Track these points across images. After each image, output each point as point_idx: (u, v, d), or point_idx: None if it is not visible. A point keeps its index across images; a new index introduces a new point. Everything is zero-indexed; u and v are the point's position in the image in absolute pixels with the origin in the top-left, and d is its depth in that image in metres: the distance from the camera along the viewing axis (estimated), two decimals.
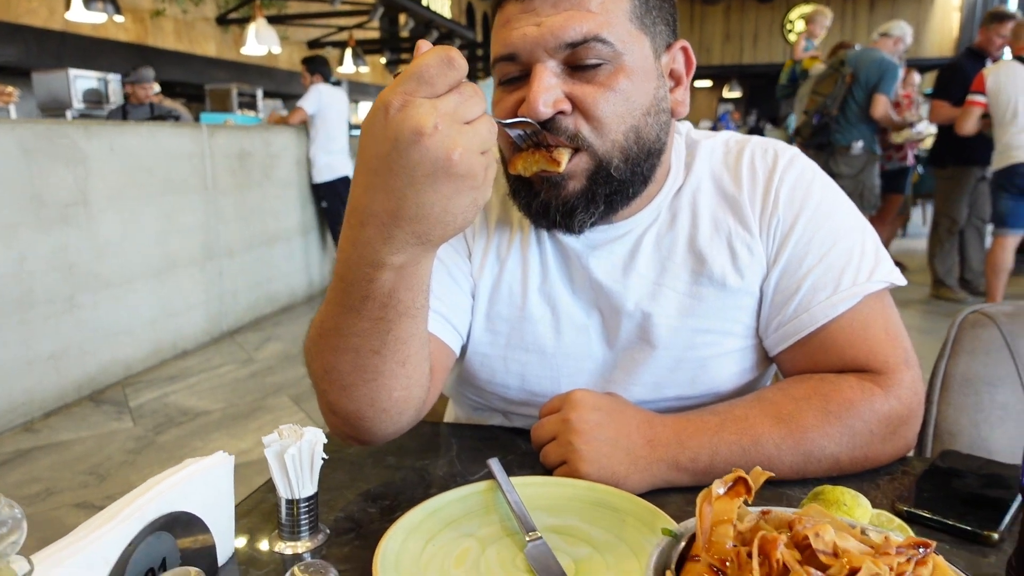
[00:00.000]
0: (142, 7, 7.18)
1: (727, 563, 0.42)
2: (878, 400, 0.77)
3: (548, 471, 0.77)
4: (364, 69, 9.64)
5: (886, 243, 5.89)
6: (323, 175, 5.40)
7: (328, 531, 0.68)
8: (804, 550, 0.42)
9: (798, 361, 0.84)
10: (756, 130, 12.99)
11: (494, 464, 0.74)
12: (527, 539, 0.63)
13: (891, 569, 0.39)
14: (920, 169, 6.68)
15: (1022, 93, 3.97)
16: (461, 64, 0.54)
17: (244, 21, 8.00)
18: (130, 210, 3.78)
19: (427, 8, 9.18)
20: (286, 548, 0.66)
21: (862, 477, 0.77)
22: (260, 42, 7.07)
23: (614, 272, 0.87)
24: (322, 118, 5.27)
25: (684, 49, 0.84)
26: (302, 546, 0.66)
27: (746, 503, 0.46)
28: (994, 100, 4.08)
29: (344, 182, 5.44)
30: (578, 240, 0.87)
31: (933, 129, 5.31)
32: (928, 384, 0.98)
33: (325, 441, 0.67)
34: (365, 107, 12.89)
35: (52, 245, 3.31)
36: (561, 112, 0.75)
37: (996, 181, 4.23)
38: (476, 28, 15.51)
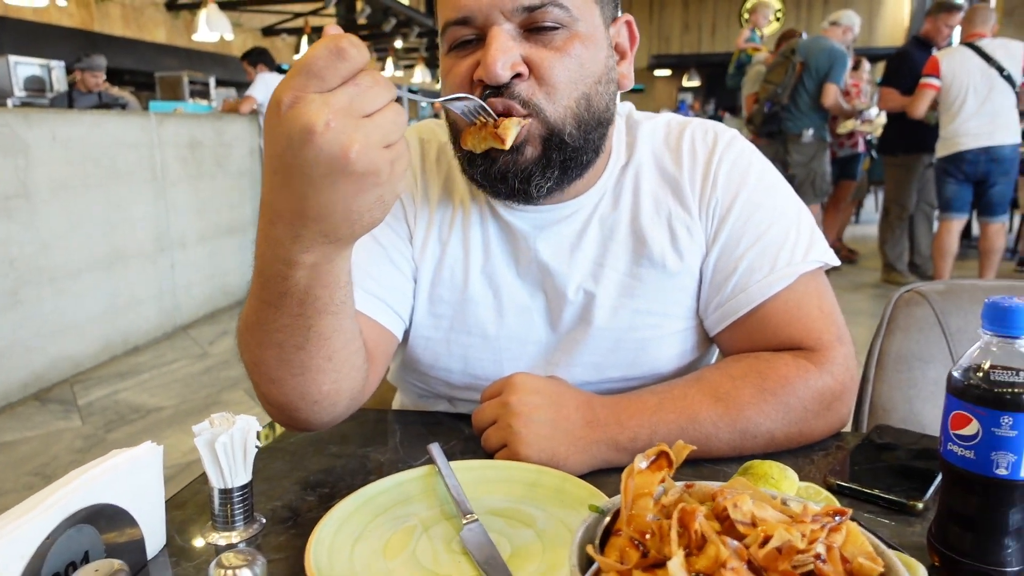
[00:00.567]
0: None
1: (647, 535, 0.42)
2: (812, 377, 0.79)
3: (490, 455, 0.77)
4: None
5: (840, 229, 6.03)
6: None
7: (264, 520, 0.67)
8: (724, 521, 0.42)
9: (737, 340, 0.86)
10: (715, 118, 13.13)
11: (434, 449, 0.74)
12: (464, 522, 0.63)
13: (803, 536, 0.39)
14: (875, 155, 6.84)
15: (973, 81, 4.07)
16: (355, 54, 0.50)
17: (195, 7, 7.80)
18: (75, 201, 3.67)
19: None
20: (220, 539, 0.65)
21: (796, 453, 0.79)
22: (212, 29, 6.90)
23: (561, 253, 0.87)
24: None
25: (628, 23, 0.85)
26: (236, 536, 0.65)
27: (669, 476, 0.47)
28: (947, 86, 4.17)
29: None
30: (525, 221, 0.86)
31: (882, 117, 5.43)
32: (864, 361, 1.00)
33: (259, 428, 0.66)
34: None
35: None
36: (517, 75, 0.74)
37: (941, 167, 4.34)
38: (435, 16, 15.34)
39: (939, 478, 0.69)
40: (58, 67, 5.73)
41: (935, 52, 4.41)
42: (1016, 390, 0.52)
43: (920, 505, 0.65)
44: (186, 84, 6.88)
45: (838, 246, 5.96)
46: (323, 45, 0.50)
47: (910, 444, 0.80)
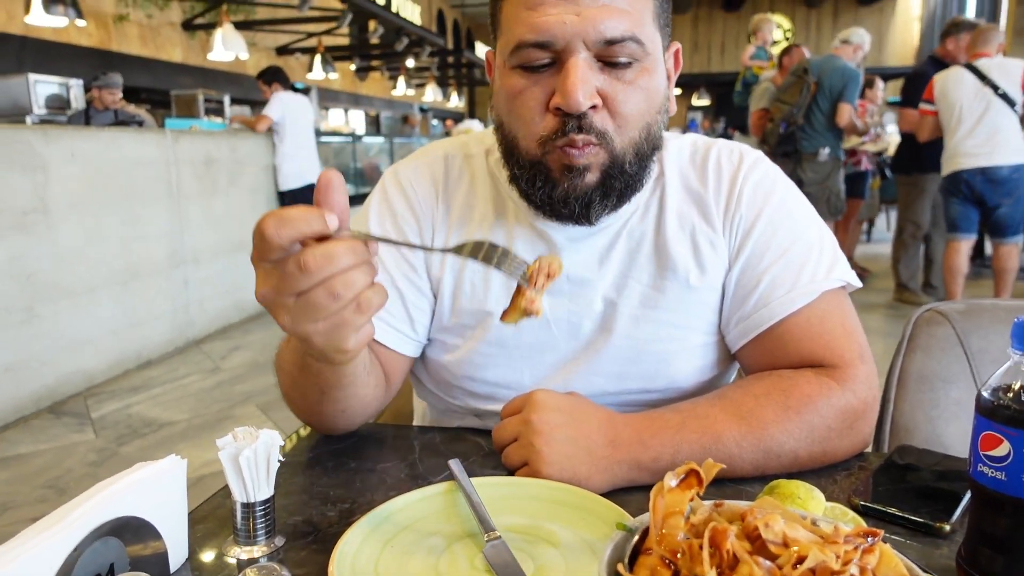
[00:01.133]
0: (105, 11, 7.06)
1: (679, 555, 0.42)
2: (835, 395, 0.78)
3: (511, 472, 0.77)
4: (334, 76, 9.60)
5: (850, 247, 6.01)
6: (290, 182, 5.34)
7: (285, 535, 0.67)
8: (755, 541, 0.42)
9: (758, 356, 0.86)
10: (724, 136, 13.20)
11: (455, 465, 0.74)
12: (486, 539, 0.63)
13: (838, 557, 0.39)
14: (888, 174, 6.85)
15: (966, 100, 4.02)
16: (271, 237, 0.55)
17: (211, 27, 7.91)
18: (92, 217, 3.71)
19: (396, 15, 9.17)
20: (241, 553, 0.65)
21: (820, 473, 0.78)
22: (227, 48, 7.00)
23: (590, 265, 0.88)
24: (287, 125, 5.21)
25: (677, 51, 0.87)
26: (258, 550, 0.65)
27: (699, 495, 0.46)
28: (940, 107, 4.15)
29: (311, 189, 5.37)
30: (561, 233, 0.88)
31: (890, 136, 5.42)
32: (885, 381, 1.00)
33: (281, 443, 0.66)
34: (335, 114, 12.80)
35: (8, 254, 3.23)
36: (592, 107, 0.75)
37: (944, 187, 4.31)
38: (447, 35, 15.52)
39: (965, 500, 0.68)
40: (76, 85, 5.81)
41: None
42: None
43: (947, 527, 0.65)
44: (201, 102, 6.95)
45: (849, 264, 5.93)
46: (259, 223, 0.56)
47: (933, 465, 0.79)
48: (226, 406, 3.49)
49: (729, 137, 12.99)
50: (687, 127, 14.41)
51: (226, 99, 7.46)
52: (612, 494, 0.72)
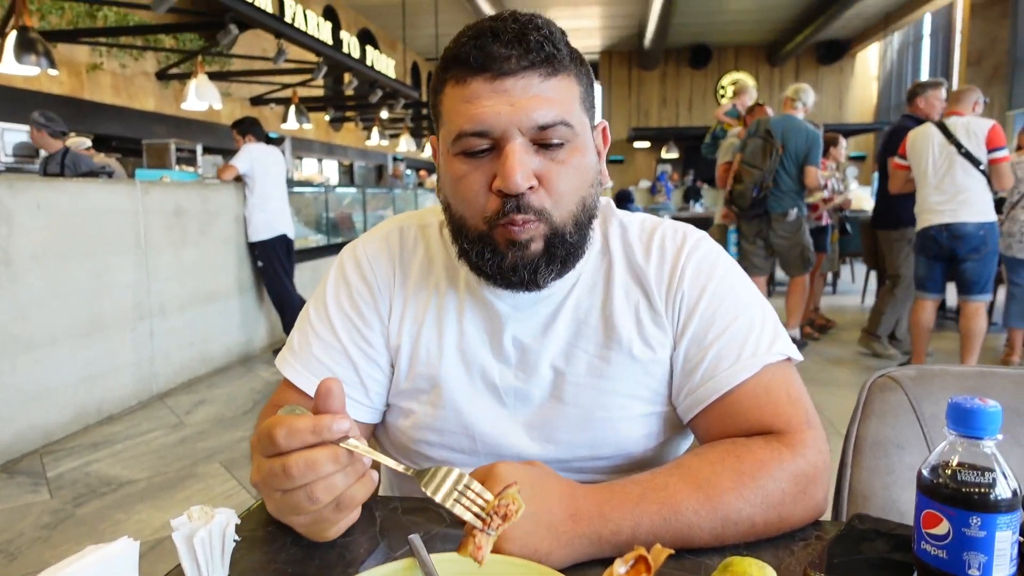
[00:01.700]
0: (79, 60, 7.08)
1: None
2: (786, 459, 0.81)
3: None
4: (308, 126, 9.67)
5: (815, 300, 6.13)
6: (260, 233, 5.31)
7: None
8: None
9: (710, 426, 0.89)
10: (693, 189, 13.50)
11: (415, 540, 0.73)
12: None
13: None
14: (849, 228, 7.07)
15: (932, 157, 4.12)
16: (268, 446, 0.64)
17: (185, 76, 7.96)
18: (56, 269, 3.65)
19: (371, 68, 9.33)
20: None
21: (776, 543, 0.79)
22: (200, 98, 7.04)
23: (535, 332, 0.92)
24: (256, 176, 5.21)
25: (604, 128, 0.93)
26: None
27: None
28: (911, 162, 4.26)
29: (282, 240, 5.36)
30: (505, 302, 0.92)
31: (855, 192, 5.59)
32: (842, 447, 1.02)
33: (238, 522, 0.66)
34: (309, 163, 12.86)
35: None
36: (531, 188, 0.81)
37: (915, 243, 4.38)
38: (421, 87, 15.78)
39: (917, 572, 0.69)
40: None
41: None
42: (983, 490, 0.53)
43: None
44: (173, 151, 6.96)
45: (814, 316, 6.06)
46: (270, 428, 0.64)
47: (888, 533, 0.80)
48: (189, 463, 3.40)
49: (698, 189, 13.30)
50: (656, 179, 14.74)
51: (199, 148, 7.48)
52: (571, 569, 0.72)
